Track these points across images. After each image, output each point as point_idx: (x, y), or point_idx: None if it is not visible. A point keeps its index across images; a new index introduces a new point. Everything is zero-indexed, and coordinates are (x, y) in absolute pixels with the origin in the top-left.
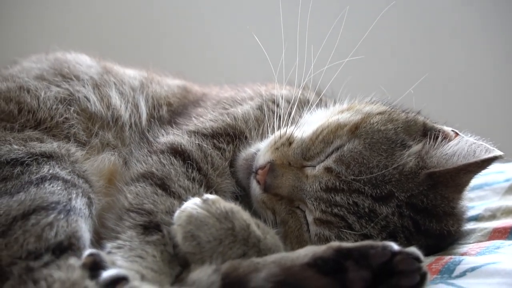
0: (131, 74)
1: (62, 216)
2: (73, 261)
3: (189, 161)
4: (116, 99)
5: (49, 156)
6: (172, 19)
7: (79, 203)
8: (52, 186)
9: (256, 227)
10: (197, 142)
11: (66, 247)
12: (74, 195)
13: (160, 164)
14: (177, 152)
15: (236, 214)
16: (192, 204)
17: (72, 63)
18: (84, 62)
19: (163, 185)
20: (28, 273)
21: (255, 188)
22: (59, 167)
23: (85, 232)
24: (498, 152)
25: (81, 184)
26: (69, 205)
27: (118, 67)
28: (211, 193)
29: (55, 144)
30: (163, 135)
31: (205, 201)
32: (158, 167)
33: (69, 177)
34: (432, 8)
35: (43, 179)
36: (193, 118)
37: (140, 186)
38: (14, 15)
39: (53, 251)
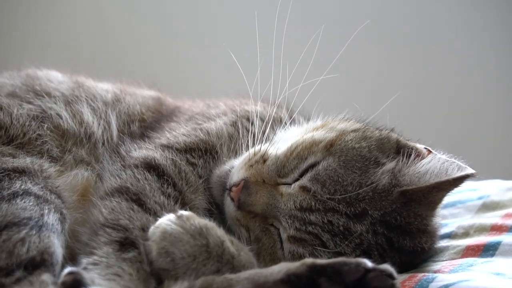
0: (104, 87)
1: (34, 232)
2: (46, 277)
3: (164, 177)
4: (88, 116)
5: (21, 172)
6: (148, 34)
7: (51, 218)
8: (24, 202)
9: (230, 243)
10: (170, 156)
11: (39, 263)
12: (46, 211)
13: (135, 179)
14: (151, 166)
15: (211, 231)
16: (167, 220)
17: (43, 80)
18: (55, 78)
19: (138, 200)
20: None
21: (229, 205)
22: (31, 182)
23: (57, 247)
24: (470, 170)
25: (53, 200)
26: (41, 221)
27: (91, 81)
28: (186, 209)
29: (28, 160)
30: (135, 149)
31: (179, 217)
32: (133, 182)
33: (41, 193)
34: (405, 26)
35: (15, 195)
36: (166, 132)
37: (116, 201)
38: None
39: (25, 267)
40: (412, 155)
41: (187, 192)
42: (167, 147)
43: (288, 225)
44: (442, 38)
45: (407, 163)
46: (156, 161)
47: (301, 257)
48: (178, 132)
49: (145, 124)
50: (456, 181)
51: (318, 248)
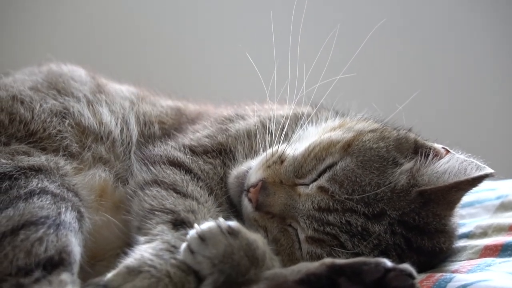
0: (123, 91)
1: (51, 230)
2: (65, 276)
3: (192, 172)
4: (107, 116)
5: (37, 170)
6: (164, 36)
7: (68, 217)
8: (41, 201)
9: (268, 258)
10: (189, 156)
11: (57, 262)
12: (63, 209)
13: (165, 173)
14: (175, 163)
15: (260, 249)
16: (220, 235)
17: (67, 78)
18: (78, 78)
19: (175, 189)
20: None
21: (247, 206)
22: (48, 180)
23: (75, 246)
24: (489, 170)
25: (70, 198)
26: (58, 219)
27: (111, 84)
28: (217, 204)
29: (43, 158)
30: (159, 146)
31: (232, 233)
32: (165, 175)
33: (58, 191)
34: (422, 24)
35: (31, 193)
36: (190, 133)
37: (156, 190)
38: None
39: (44, 266)
40: (430, 155)
41: (214, 188)
42: (189, 147)
43: (306, 226)
44: (461, 37)
45: (425, 163)
46: (179, 159)
47: (319, 257)
48: (201, 134)
49: (165, 126)
50: (475, 181)
51: (336, 248)
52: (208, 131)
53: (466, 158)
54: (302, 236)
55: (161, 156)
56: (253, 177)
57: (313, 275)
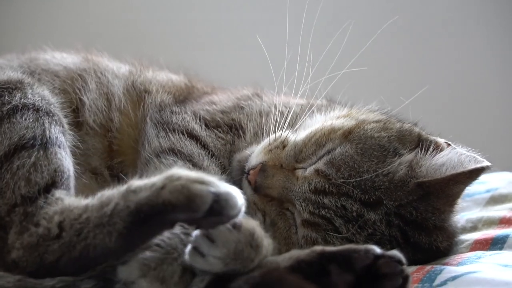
0: (119, 64)
1: (41, 152)
2: (59, 193)
3: (208, 148)
4: (88, 93)
5: (21, 82)
6: (174, 21)
7: (53, 132)
8: (25, 119)
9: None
10: (203, 130)
11: (51, 184)
12: (47, 125)
13: (183, 144)
14: (192, 136)
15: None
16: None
17: (45, 60)
18: (59, 55)
19: (191, 161)
20: (28, 218)
21: (247, 189)
22: (31, 92)
23: (65, 160)
24: (486, 163)
25: (55, 112)
26: (44, 138)
27: (105, 60)
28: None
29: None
30: (176, 114)
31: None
32: (183, 145)
33: (41, 104)
34: (434, 21)
35: (14, 110)
36: (206, 104)
37: (172, 159)
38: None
39: (43, 191)
40: (431, 147)
41: (228, 168)
42: (204, 121)
43: (302, 208)
44: (471, 34)
45: (425, 155)
46: (196, 132)
47: (314, 242)
48: (217, 107)
49: (174, 96)
50: (472, 174)
51: (331, 233)
52: (224, 105)
53: (465, 152)
54: (298, 220)
55: (179, 125)
56: (254, 160)
57: (304, 262)
